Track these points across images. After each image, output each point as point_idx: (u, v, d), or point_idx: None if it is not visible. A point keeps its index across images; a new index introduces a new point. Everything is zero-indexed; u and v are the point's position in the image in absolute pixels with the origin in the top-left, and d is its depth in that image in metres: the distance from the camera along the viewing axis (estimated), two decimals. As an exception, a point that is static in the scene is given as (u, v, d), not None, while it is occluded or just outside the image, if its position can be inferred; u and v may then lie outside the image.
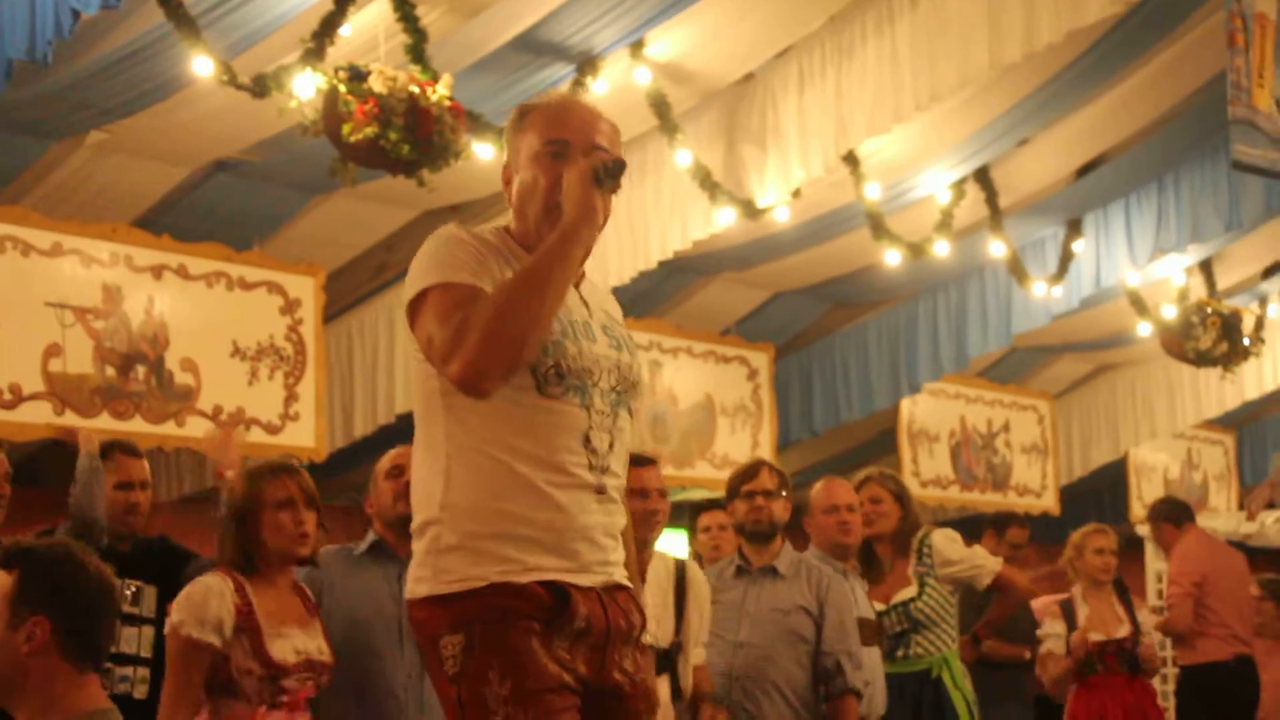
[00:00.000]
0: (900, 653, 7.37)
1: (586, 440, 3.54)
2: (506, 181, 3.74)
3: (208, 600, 4.89)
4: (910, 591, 7.42)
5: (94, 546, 6.44)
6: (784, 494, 6.66)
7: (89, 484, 6.70)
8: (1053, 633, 8.98)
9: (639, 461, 5.90)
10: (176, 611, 4.92)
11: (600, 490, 3.57)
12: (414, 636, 3.79)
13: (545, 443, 3.49)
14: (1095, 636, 8.82)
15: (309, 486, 5.17)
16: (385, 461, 5.75)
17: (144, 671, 6.59)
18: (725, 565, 6.79)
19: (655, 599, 5.92)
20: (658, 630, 5.85)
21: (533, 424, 3.49)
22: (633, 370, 3.70)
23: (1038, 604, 9.41)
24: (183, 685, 4.85)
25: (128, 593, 6.58)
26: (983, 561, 7.65)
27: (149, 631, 6.63)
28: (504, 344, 3.38)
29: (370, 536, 5.67)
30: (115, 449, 6.98)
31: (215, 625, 4.85)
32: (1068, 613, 9.00)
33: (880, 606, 7.33)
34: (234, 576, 4.99)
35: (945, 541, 7.58)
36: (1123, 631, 8.88)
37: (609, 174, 3.55)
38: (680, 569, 6.15)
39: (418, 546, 3.54)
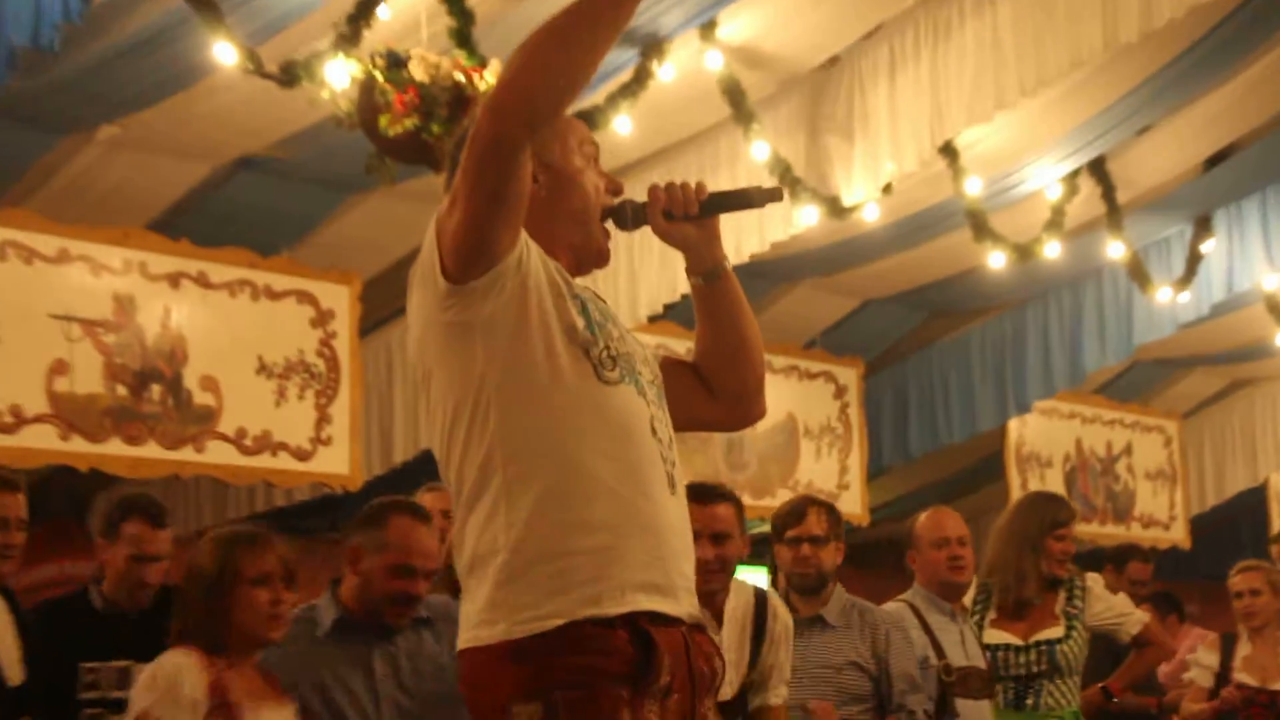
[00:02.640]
0: (1029, 701, 7.29)
1: (653, 430, 3.53)
2: None
3: (179, 679, 4.76)
4: (1057, 631, 7.34)
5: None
6: (835, 539, 6.50)
7: None
8: (1202, 663, 8.91)
9: (710, 496, 5.75)
10: (143, 695, 4.81)
11: (671, 483, 3.53)
12: (462, 696, 3.51)
13: (617, 429, 3.46)
14: (1245, 680, 8.66)
15: (289, 561, 5.05)
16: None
17: None
18: None
19: (732, 637, 5.79)
20: (732, 674, 5.66)
21: (602, 411, 3.46)
22: (657, 366, 3.73)
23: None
24: None
25: (115, 674, 6.16)
26: (1129, 611, 7.65)
27: None
28: (557, 69, 3.29)
29: (332, 610, 5.27)
30: (134, 514, 6.44)
31: (189, 706, 4.73)
32: (1226, 648, 8.88)
33: (1016, 641, 7.31)
34: (200, 652, 4.86)
35: (1097, 585, 7.54)
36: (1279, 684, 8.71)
37: None
38: (761, 600, 5.96)
39: (475, 584, 3.41)
